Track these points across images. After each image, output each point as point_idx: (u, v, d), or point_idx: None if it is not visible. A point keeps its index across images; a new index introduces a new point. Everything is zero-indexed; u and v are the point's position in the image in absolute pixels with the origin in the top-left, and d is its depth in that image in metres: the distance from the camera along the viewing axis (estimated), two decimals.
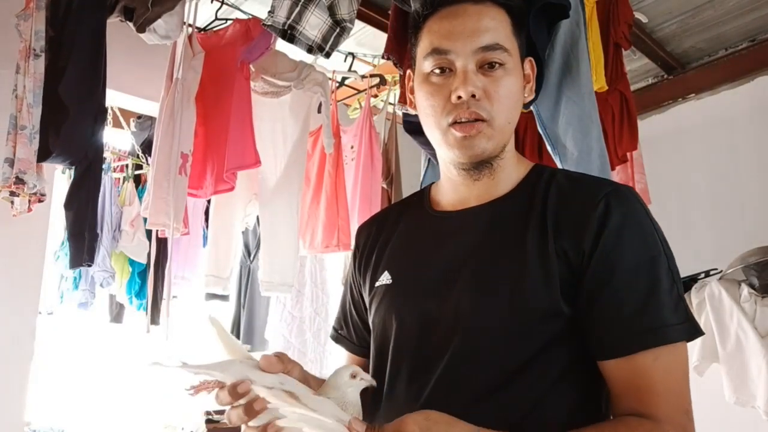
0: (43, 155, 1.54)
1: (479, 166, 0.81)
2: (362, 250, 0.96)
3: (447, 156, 0.83)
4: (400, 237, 0.91)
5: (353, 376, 0.68)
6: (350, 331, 0.98)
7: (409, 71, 0.90)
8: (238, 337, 2.77)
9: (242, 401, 0.63)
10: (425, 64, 0.81)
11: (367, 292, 0.92)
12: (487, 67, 0.77)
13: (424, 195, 0.94)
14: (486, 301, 0.75)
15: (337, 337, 1.01)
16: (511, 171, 0.84)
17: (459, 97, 0.76)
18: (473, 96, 0.76)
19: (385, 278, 0.87)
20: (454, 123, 0.78)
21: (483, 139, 0.78)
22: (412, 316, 0.81)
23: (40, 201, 1.62)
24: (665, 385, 0.67)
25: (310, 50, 1.66)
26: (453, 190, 0.87)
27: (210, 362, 0.64)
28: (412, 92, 0.88)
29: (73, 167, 1.66)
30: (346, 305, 1.00)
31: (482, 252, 0.79)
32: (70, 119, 1.54)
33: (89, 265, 1.66)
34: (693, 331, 0.70)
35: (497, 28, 0.78)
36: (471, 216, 0.83)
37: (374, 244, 0.94)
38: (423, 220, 0.90)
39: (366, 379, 0.69)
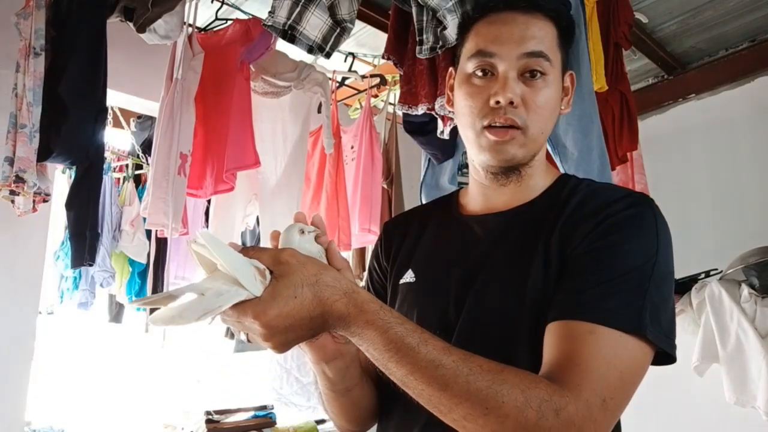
0: (44, 155, 1.53)
1: (507, 171, 0.82)
2: (388, 246, 0.97)
3: (477, 158, 0.85)
4: (427, 238, 0.92)
5: (302, 232, 0.67)
6: None
7: (451, 69, 0.91)
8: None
9: None
10: (468, 65, 0.82)
11: (390, 288, 0.93)
12: (528, 75, 0.78)
13: (452, 199, 0.96)
14: (492, 306, 0.77)
15: None
16: (539, 180, 0.85)
17: (497, 102, 0.77)
18: (511, 103, 0.77)
19: (408, 276, 0.89)
20: (489, 126, 0.78)
21: (515, 146, 0.79)
22: (431, 317, 0.82)
23: (44, 201, 1.61)
24: (592, 363, 0.62)
25: (310, 50, 1.66)
26: (481, 195, 0.88)
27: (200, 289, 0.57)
28: (451, 89, 0.89)
29: (74, 167, 1.66)
30: None
31: (496, 258, 0.80)
32: (70, 119, 1.53)
33: (90, 265, 1.66)
34: (643, 329, 0.64)
35: (543, 37, 0.79)
36: (493, 222, 0.85)
37: (401, 242, 0.95)
38: (450, 222, 0.91)
39: (313, 230, 0.68)
